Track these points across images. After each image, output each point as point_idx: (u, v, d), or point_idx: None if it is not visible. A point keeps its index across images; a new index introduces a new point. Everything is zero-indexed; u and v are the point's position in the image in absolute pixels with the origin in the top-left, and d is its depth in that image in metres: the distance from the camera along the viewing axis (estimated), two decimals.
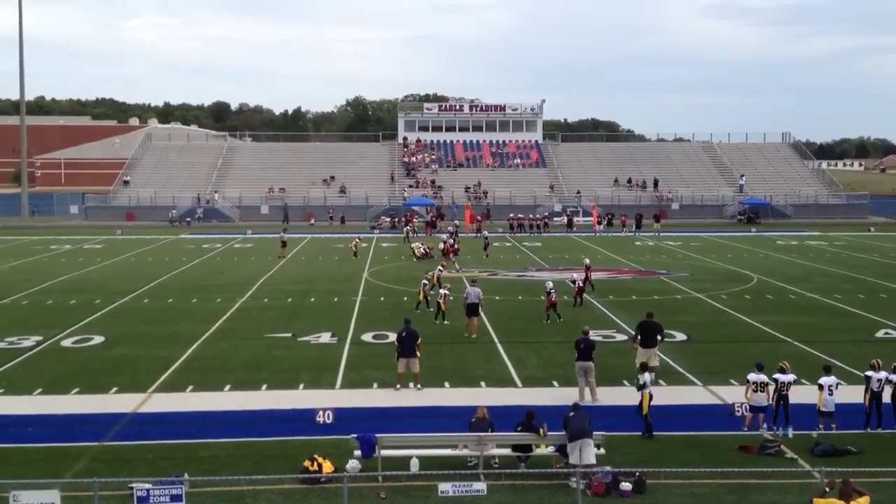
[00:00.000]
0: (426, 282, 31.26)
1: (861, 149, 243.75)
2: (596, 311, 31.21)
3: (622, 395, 20.13)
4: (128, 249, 52.74)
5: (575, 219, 70.22)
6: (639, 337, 21.49)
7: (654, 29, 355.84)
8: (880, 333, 27.14)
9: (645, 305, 32.21)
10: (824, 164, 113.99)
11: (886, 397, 17.57)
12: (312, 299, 34.06)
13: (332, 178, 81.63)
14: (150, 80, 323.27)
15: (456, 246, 47.72)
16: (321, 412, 18.05)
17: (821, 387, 17.42)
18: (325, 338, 26.60)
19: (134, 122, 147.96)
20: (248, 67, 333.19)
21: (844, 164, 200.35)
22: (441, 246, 46.50)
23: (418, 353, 20.92)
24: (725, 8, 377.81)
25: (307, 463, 14.97)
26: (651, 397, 17.30)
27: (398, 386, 20.82)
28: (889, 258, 47.62)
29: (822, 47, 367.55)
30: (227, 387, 21.04)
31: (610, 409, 18.93)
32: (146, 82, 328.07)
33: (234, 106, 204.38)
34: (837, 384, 17.63)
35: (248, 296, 34.79)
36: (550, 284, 29.84)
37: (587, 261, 37.64)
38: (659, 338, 21.47)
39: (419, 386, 20.84)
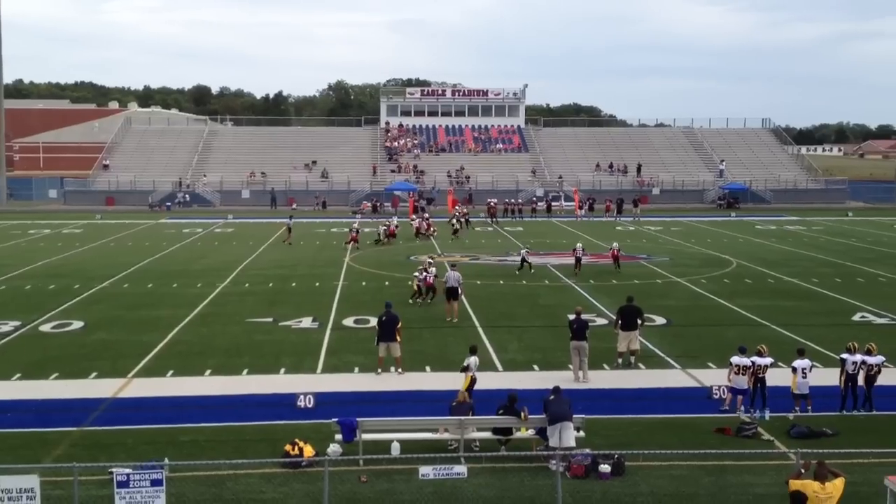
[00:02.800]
0: (418, 275, 30.85)
1: (840, 134, 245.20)
2: (577, 295, 31.34)
3: (602, 379, 20.32)
4: (107, 234, 52.42)
5: (553, 204, 70.38)
6: (619, 321, 21.64)
7: (637, 15, 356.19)
8: (857, 317, 27.43)
9: (626, 290, 32.31)
10: (804, 150, 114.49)
11: (862, 380, 17.79)
12: (294, 284, 34.01)
13: (314, 162, 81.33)
14: (130, 64, 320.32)
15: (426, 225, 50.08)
16: (302, 397, 18.08)
17: (794, 369, 17.64)
18: (307, 322, 26.59)
19: (113, 105, 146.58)
20: (229, 51, 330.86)
21: (824, 150, 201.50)
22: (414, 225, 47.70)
23: (398, 338, 20.96)
24: None
25: (288, 447, 15.01)
26: (474, 381, 17.49)
27: (379, 370, 20.89)
28: (866, 243, 48.05)
29: (804, 34, 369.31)
30: (208, 371, 21.02)
31: (589, 392, 19.08)
32: (126, 66, 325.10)
33: (214, 90, 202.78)
34: (812, 367, 17.83)
35: (229, 281, 34.70)
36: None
37: (616, 244, 39.01)
38: (639, 321, 21.64)
39: (400, 370, 20.91)
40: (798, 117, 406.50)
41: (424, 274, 29.82)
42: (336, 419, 15.58)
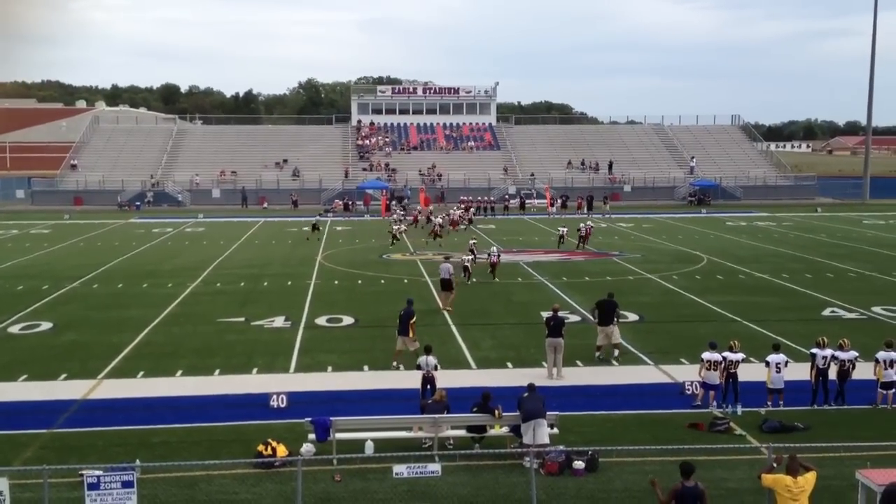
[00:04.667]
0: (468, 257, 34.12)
1: (808, 131, 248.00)
2: (549, 292, 31.41)
3: (576, 376, 20.36)
4: (76, 234, 51.81)
5: (527, 201, 70.57)
6: (596, 312, 21.89)
7: (607, 13, 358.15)
8: (826, 312, 27.71)
9: (598, 286, 32.56)
10: (773, 146, 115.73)
11: (832, 374, 17.97)
12: (266, 283, 33.80)
13: (285, 161, 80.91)
14: (98, 63, 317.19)
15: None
16: (275, 396, 17.97)
17: (768, 364, 17.79)
18: (279, 322, 26.43)
19: (81, 104, 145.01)
20: (198, 49, 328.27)
21: (792, 146, 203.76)
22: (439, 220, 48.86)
23: (411, 333, 21.02)
24: None
25: (261, 447, 14.90)
26: (427, 380, 17.64)
27: (395, 363, 21.04)
28: (835, 238, 48.59)
29: (772, 31, 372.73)
30: (179, 372, 20.82)
31: (563, 389, 19.10)
32: (93, 64, 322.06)
33: (183, 88, 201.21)
34: (786, 362, 17.96)
35: (200, 280, 34.42)
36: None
37: (589, 223, 44.92)
38: (616, 315, 21.87)
39: (395, 363, 21.02)
40: (767, 114, 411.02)
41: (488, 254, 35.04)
42: (309, 418, 15.48)
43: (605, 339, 21.76)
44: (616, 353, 21.79)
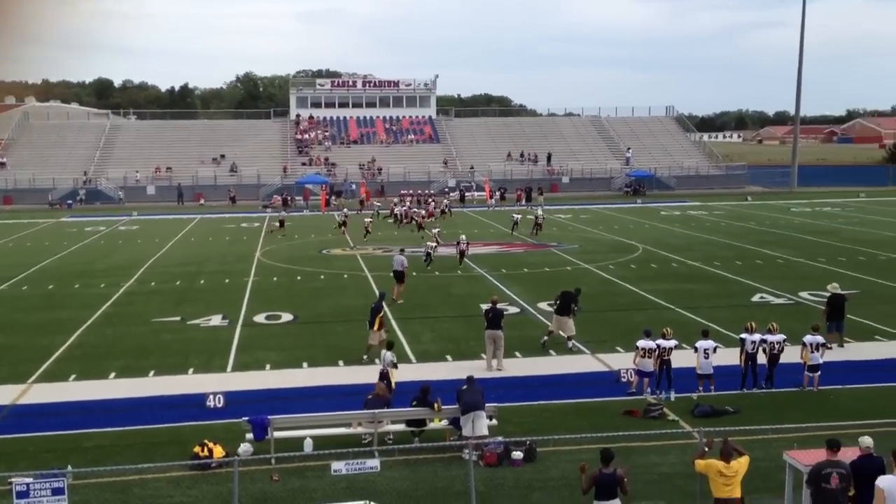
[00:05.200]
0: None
1: (740, 121, 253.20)
2: (489, 284, 31.60)
3: (515, 367, 20.54)
4: (4, 234, 50.45)
5: (467, 194, 70.80)
6: (557, 302, 22.35)
7: (546, 5, 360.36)
8: (756, 298, 28.39)
9: (536, 278, 32.92)
10: (705, 137, 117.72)
11: (761, 358, 18.44)
12: (202, 281, 33.39)
13: (222, 156, 79.86)
14: (27, 57, 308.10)
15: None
16: (212, 396, 17.80)
17: (696, 350, 18.20)
18: (216, 320, 26.15)
19: (10, 100, 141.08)
20: (132, 42, 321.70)
21: (724, 136, 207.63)
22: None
23: (376, 326, 21.04)
24: None
25: (197, 449, 14.75)
26: (382, 375, 17.37)
27: (364, 356, 21.09)
28: (765, 226, 49.73)
29: (706, 23, 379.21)
30: (113, 374, 20.46)
31: (502, 381, 19.28)
32: (22, 59, 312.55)
33: (117, 83, 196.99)
34: (715, 347, 18.38)
35: (135, 279, 33.84)
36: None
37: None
38: (574, 307, 22.20)
39: (364, 357, 21.03)
40: (700, 105, 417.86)
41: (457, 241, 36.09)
42: (247, 418, 15.38)
43: (557, 327, 22.12)
44: (570, 344, 22.08)
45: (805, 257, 37.01)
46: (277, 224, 50.55)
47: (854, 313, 23.51)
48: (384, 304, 22.36)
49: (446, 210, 58.33)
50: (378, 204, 60.61)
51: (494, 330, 20.38)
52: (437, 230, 41.25)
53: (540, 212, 49.14)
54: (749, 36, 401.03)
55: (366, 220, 48.29)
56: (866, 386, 18.61)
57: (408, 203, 58.63)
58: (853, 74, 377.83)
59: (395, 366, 17.76)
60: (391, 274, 29.58)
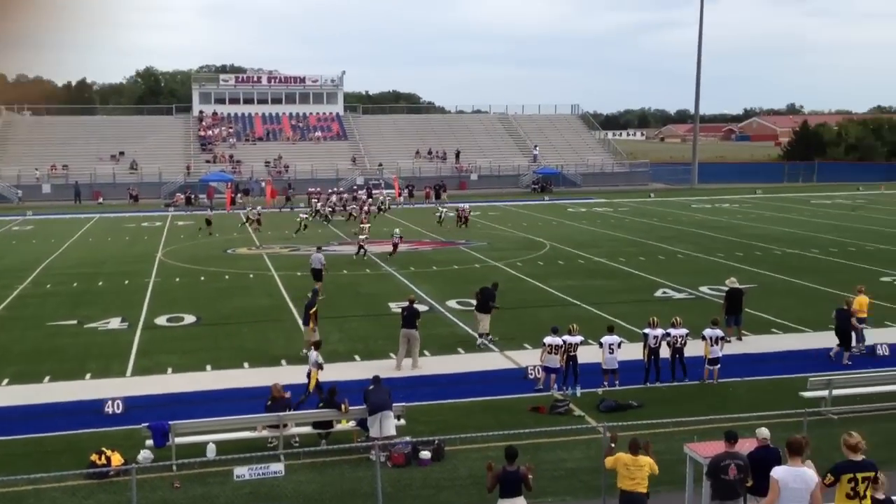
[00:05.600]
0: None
1: (643, 119, 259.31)
2: (397, 282, 31.50)
3: (423, 365, 20.46)
4: None
5: (375, 191, 70.45)
6: (476, 299, 22.52)
7: (454, 2, 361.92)
8: (659, 293, 29.04)
9: (445, 276, 32.98)
10: (610, 135, 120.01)
11: (663, 352, 18.83)
12: (100, 283, 32.33)
13: (122, 153, 77.54)
14: None
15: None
16: (110, 402, 17.22)
17: (601, 345, 18.49)
18: (115, 323, 25.34)
19: None
20: (25, 35, 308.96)
21: (628, 134, 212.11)
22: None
23: (311, 323, 20.86)
24: None
25: (94, 457, 14.23)
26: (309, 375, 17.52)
27: (303, 351, 20.82)
28: (667, 222, 50.98)
29: (610, 22, 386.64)
30: (5, 381, 19.60)
31: (410, 380, 19.22)
32: None
33: (10, 77, 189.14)
34: (620, 342, 18.71)
35: (29, 282, 32.56)
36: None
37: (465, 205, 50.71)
38: (492, 304, 22.37)
39: (304, 352, 20.73)
40: (604, 104, 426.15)
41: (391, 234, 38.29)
42: (146, 424, 14.92)
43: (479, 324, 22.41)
44: (486, 339, 22.24)
45: (705, 252, 38.07)
46: (255, 221, 48.85)
47: (751, 307, 24.23)
48: (317, 300, 22.10)
49: (384, 207, 58.97)
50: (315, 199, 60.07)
51: (409, 329, 20.35)
52: (368, 225, 42.21)
53: (466, 205, 51.49)
54: (651, 36, 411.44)
55: (301, 215, 49.30)
56: (763, 378, 19.19)
57: (334, 200, 58.86)
58: (750, 74, 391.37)
59: (320, 366, 17.53)
60: (309, 272, 29.66)
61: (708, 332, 18.88)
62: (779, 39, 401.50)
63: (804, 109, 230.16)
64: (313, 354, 17.72)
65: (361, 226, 40.97)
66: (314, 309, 21.25)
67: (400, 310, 21.14)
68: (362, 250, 37.12)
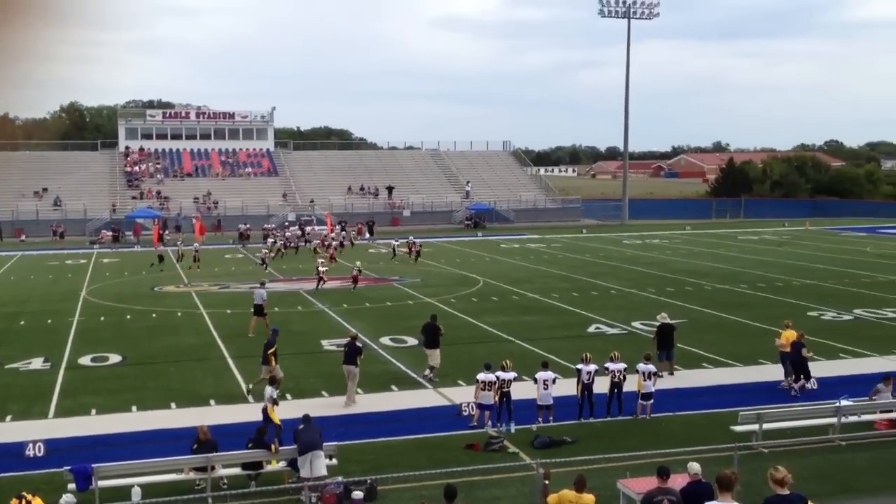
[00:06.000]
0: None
1: (574, 156, 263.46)
2: (329, 319, 31.15)
3: (356, 403, 20.17)
4: None
5: (307, 228, 69.98)
6: (422, 336, 22.51)
7: (385, 39, 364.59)
8: (592, 328, 29.25)
9: (379, 312, 32.74)
10: (542, 171, 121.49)
11: (600, 388, 18.86)
12: (22, 322, 31.29)
13: (45, 190, 75.61)
14: None
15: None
16: (31, 445, 16.54)
17: (536, 381, 18.48)
18: (37, 363, 24.48)
19: None
20: None
21: (560, 171, 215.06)
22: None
23: (272, 361, 20.46)
24: (451, 21, 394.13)
25: (15, 501, 13.49)
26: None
27: (249, 386, 21.10)
28: (599, 258, 51.59)
29: (541, 61, 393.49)
30: None
31: (342, 418, 18.91)
32: None
33: None
34: (554, 379, 18.70)
35: None
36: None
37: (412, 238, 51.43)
38: (440, 334, 22.36)
39: (250, 386, 20.90)
40: (536, 140, 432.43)
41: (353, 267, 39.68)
42: (68, 467, 14.36)
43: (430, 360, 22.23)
44: (427, 371, 22.10)
45: (637, 288, 38.56)
46: (192, 258, 47.80)
47: (682, 342, 24.54)
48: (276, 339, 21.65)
49: (345, 242, 58.43)
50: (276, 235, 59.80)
51: (348, 365, 20.22)
52: (322, 260, 43.46)
53: (416, 240, 51.80)
54: (580, 74, 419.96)
55: (264, 250, 49.53)
56: (695, 412, 19.37)
57: (286, 235, 59.40)
58: (677, 112, 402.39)
59: (275, 402, 17.13)
60: (251, 309, 29.10)
61: (641, 366, 19.02)
62: (704, 79, 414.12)
63: (730, 147, 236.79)
64: (269, 390, 17.42)
65: (319, 260, 43.09)
66: (273, 348, 20.90)
67: (334, 347, 21.03)
68: (321, 282, 38.37)
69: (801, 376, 20.87)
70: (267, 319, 28.30)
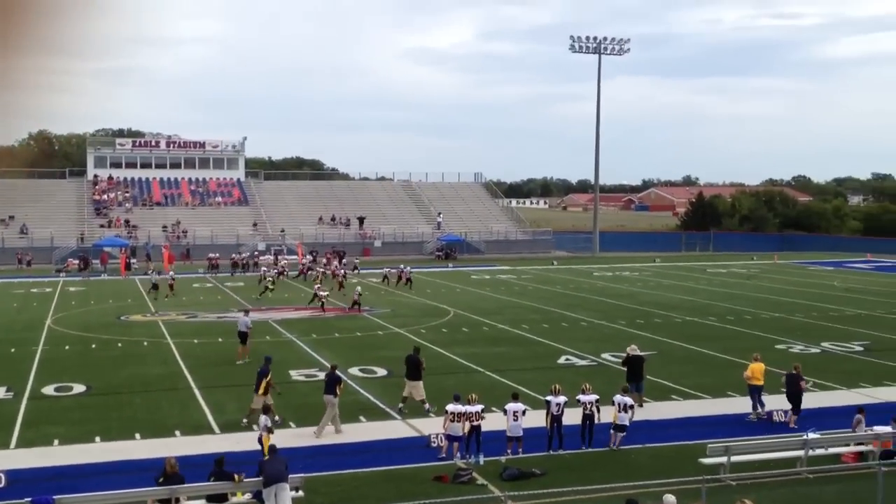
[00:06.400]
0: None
1: (545, 188, 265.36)
2: (298, 349, 30.89)
3: (324, 434, 19.95)
4: None
5: (279, 257, 69.66)
6: (405, 367, 22.23)
7: (356, 70, 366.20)
8: (561, 360, 29.23)
9: (348, 343, 32.54)
10: (513, 203, 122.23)
11: (566, 419, 18.80)
12: None
13: (11, 217, 74.75)
14: None
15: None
16: None
17: (506, 412, 18.38)
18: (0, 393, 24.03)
19: None
20: None
21: (531, 203, 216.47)
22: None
23: (260, 390, 20.38)
24: (422, 53, 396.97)
25: None
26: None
27: (244, 420, 20.82)
28: (569, 289, 51.73)
29: (512, 94, 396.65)
30: None
31: (309, 450, 18.67)
32: None
33: None
34: (524, 410, 18.60)
35: None
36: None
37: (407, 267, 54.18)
38: (422, 368, 22.10)
39: (244, 420, 20.66)
40: (508, 172, 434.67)
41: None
42: (30, 498, 14.02)
43: (409, 393, 21.92)
44: (426, 406, 21.77)
45: (607, 320, 38.66)
46: (168, 287, 47.75)
47: (651, 374, 24.56)
48: (269, 367, 21.44)
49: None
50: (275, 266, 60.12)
51: (327, 395, 20.15)
52: (318, 285, 45.31)
53: (407, 268, 54.03)
54: (552, 108, 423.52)
55: (268, 277, 50.07)
56: (664, 444, 19.34)
57: (282, 264, 60.91)
58: (648, 146, 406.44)
59: (270, 430, 16.99)
60: (237, 336, 29.13)
61: (617, 398, 19.01)
62: (674, 114, 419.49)
63: (700, 181, 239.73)
64: (263, 419, 17.33)
65: (318, 285, 45.16)
66: (269, 377, 20.79)
67: (303, 378, 20.89)
68: (318, 301, 40.77)
69: (795, 408, 20.91)
70: (248, 348, 28.56)
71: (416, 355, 22.54)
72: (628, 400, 19.08)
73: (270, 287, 47.64)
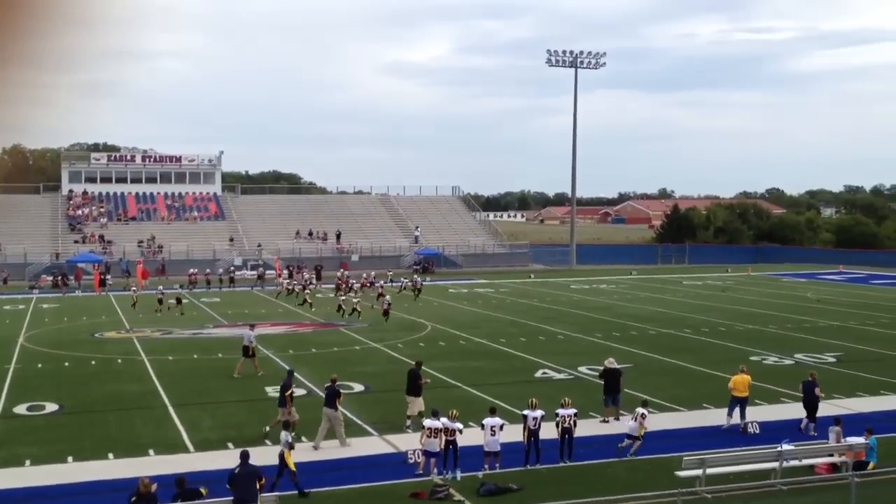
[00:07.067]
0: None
1: (523, 202, 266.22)
2: (275, 366, 30.71)
3: (301, 452, 19.71)
4: None
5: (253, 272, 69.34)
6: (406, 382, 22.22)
7: (336, 84, 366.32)
8: (539, 374, 29.25)
9: (325, 358, 32.41)
10: (491, 216, 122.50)
11: (543, 434, 18.79)
12: None
13: None
14: None
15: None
16: None
17: (483, 426, 18.36)
18: None
19: None
20: None
21: (509, 216, 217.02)
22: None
23: (287, 404, 20.54)
24: (400, 68, 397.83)
25: None
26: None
27: (266, 428, 21.31)
28: (546, 303, 51.81)
29: (489, 108, 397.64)
30: None
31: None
32: None
33: None
34: (502, 425, 18.58)
35: None
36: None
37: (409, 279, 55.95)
38: (420, 382, 22.11)
39: (266, 429, 21.12)
40: (485, 186, 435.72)
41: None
42: None
43: (415, 409, 21.83)
44: (408, 423, 21.75)
45: (583, 333, 38.75)
46: (174, 302, 47.60)
47: (627, 386, 24.57)
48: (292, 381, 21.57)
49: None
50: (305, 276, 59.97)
51: (327, 408, 20.17)
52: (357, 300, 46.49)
53: (418, 279, 56.77)
54: (529, 121, 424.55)
55: (305, 291, 51.08)
56: (640, 458, 19.35)
57: (305, 276, 61.37)
58: (624, 159, 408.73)
59: (291, 447, 16.95)
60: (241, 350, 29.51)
61: (639, 409, 19.54)
62: (650, 127, 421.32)
63: (675, 194, 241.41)
64: (284, 434, 17.28)
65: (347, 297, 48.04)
66: (290, 391, 20.90)
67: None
68: (345, 310, 43.88)
69: (811, 416, 21.14)
70: (256, 361, 29.19)
71: (416, 369, 22.55)
72: (642, 410, 19.44)
73: (308, 300, 49.20)
